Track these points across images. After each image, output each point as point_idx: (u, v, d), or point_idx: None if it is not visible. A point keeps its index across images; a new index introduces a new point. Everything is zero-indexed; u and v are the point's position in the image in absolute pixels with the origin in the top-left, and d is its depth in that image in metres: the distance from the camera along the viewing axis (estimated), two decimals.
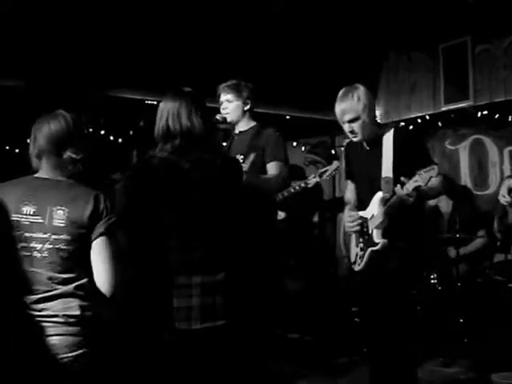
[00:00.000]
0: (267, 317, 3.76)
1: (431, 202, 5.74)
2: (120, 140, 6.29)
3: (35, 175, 2.43)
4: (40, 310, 2.27)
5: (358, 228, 3.53)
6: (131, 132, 6.25)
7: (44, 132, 2.40)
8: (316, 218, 6.61)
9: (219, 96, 3.94)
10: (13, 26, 4.61)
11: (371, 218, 3.42)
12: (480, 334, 4.83)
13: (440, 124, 6.52)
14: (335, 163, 3.80)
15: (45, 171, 2.42)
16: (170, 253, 2.50)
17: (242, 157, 3.75)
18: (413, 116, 6.73)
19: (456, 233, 5.26)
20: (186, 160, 2.55)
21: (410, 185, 3.11)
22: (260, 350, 3.70)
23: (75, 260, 2.33)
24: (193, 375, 2.52)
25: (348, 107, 3.35)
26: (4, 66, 4.67)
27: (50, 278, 2.29)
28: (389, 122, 6.47)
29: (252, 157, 3.67)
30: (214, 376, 2.55)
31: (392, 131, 3.43)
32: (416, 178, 3.10)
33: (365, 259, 3.44)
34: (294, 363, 4.88)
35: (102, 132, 5.99)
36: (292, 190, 3.62)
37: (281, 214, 4.32)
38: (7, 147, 6.04)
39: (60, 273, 2.30)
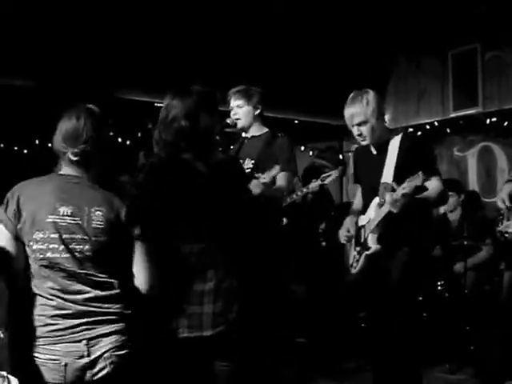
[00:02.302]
0: (271, 321, 3.74)
1: (441, 210, 5.70)
2: (128, 142, 6.29)
3: (59, 173, 2.35)
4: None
5: (347, 239, 3.59)
6: (139, 134, 6.26)
7: (60, 128, 2.34)
8: (323, 224, 6.59)
9: (229, 102, 3.89)
10: (23, 26, 4.64)
11: (368, 223, 3.45)
12: (486, 341, 4.81)
13: (448, 130, 6.51)
14: (339, 168, 3.77)
15: (67, 169, 2.34)
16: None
17: (252, 161, 3.73)
18: (421, 122, 6.73)
19: (463, 240, 5.22)
20: (181, 159, 2.52)
21: (399, 191, 3.10)
22: (264, 353, 3.69)
23: (113, 261, 2.30)
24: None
25: (357, 111, 3.36)
26: (13, 66, 4.69)
27: (92, 279, 2.25)
28: (398, 128, 6.45)
29: (275, 170, 3.56)
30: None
31: (400, 137, 3.41)
32: (404, 185, 3.09)
33: (360, 263, 3.45)
34: (301, 367, 4.87)
35: (111, 134, 5.96)
36: (295, 196, 3.57)
37: (283, 220, 4.29)
38: (15, 147, 6.06)
39: (101, 273, 2.27)
